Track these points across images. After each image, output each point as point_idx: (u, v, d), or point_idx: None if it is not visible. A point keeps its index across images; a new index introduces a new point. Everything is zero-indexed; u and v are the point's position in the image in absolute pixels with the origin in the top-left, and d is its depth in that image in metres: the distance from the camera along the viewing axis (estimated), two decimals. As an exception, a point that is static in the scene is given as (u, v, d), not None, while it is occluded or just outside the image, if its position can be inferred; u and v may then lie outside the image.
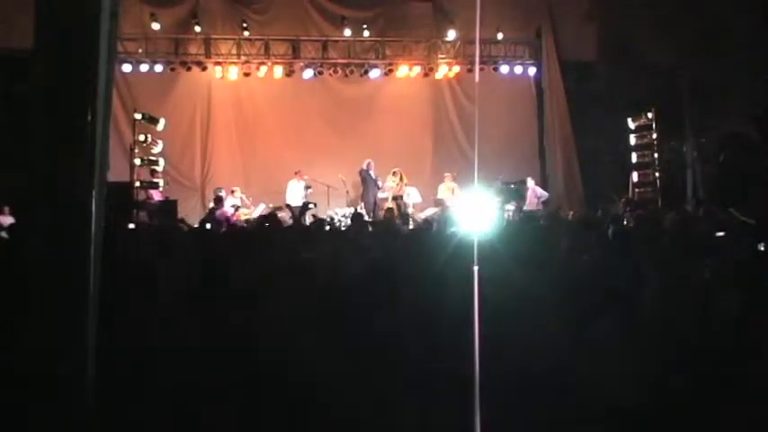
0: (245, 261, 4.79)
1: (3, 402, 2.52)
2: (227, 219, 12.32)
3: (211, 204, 12.45)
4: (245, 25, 13.64)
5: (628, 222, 8.44)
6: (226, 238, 7.46)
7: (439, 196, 13.65)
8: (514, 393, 3.14)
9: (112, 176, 9.84)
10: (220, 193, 12.78)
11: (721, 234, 6.00)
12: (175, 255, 5.22)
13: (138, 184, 11.96)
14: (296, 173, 13.32)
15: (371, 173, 13.45)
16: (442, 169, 14.21)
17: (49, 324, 2.42)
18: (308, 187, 13.23)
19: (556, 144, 14.67)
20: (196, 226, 9.03)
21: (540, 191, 13.72)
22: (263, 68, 14.02)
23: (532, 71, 15.03)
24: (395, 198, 13.29)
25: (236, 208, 12.66)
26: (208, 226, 9.04)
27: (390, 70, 14.48)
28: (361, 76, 14.37)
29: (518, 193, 13.26)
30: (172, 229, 8.14)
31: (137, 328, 3.53)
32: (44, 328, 2.42)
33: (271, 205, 12.77)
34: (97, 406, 2.50)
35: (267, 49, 14.09)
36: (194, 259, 5.06)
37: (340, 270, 4.52)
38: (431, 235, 6.88)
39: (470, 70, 14.60)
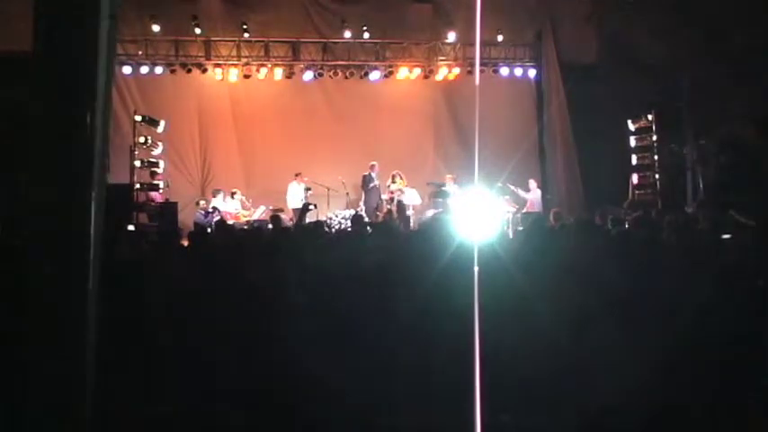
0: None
1: (3, 401, 2.52)
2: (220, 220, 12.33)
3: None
4: (244, 27, 13.65)
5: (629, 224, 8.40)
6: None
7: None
8: (515, 395, 3.14)
9: (113, 178, 9.85)
10: (212, 197, 12.84)
11: (727, 237, 5.98)
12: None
13: (138, 185, 11.96)
14: (296, 175, 13.33)
15: (373, 175, 13.47)
16: (442, 171, 14.23)
17: (49, 324, 2.42)
18: (308, 189, 13.22)
19: (556, 146, 14.67)
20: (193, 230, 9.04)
21: (537, 191, 13.74)
22: (263, 70, 14.03)
23: (532, 73, 15.04)
24: (394, 200, 13.28)
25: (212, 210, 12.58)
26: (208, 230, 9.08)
27: (390, 72, 14.49)
28: (362, 78, 14.36)
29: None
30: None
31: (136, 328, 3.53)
32: (44, 328, 2.42)
33: (271, 207, 12.77)
34: (97, 406, 2.50)
35: (267, 50, 14.09)
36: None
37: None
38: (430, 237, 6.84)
39: (470, 72, 14.63)
